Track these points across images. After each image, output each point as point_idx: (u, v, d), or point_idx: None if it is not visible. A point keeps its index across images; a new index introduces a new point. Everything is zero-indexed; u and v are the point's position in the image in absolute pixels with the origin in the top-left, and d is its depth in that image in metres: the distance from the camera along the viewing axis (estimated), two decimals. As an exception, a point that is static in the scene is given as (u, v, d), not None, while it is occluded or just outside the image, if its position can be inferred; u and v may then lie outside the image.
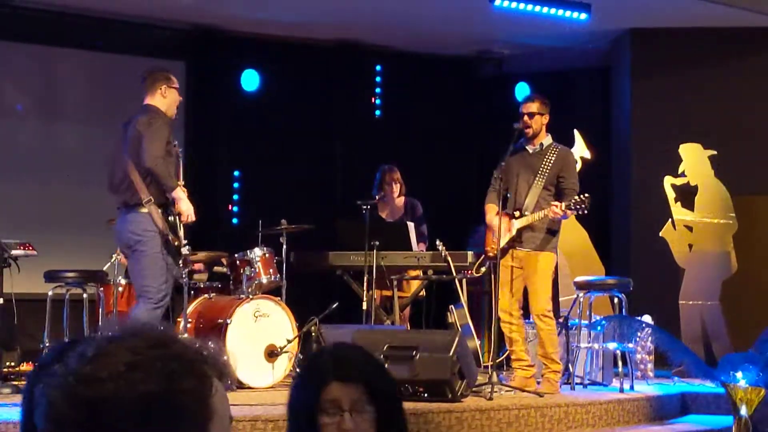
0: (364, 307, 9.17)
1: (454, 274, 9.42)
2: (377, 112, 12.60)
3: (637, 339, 9.21)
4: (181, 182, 7.75)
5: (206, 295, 8.83)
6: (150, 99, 7.68)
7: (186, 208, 7.55)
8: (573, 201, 8.12)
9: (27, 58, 10.70)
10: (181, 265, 7.78)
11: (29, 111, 10.82)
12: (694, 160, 11.02)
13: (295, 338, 8.57)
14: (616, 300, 9.22)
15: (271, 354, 8.50)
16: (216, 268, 9.25)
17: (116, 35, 10.91)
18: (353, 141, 12.17)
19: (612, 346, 8.99)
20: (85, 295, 8.71)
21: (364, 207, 9.32)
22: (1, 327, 8.36)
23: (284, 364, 8.57)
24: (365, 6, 10.75)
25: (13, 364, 8.68)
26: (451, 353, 7.46)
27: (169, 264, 7.51)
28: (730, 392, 6.66)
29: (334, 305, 8.80)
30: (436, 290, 10.13)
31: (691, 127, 11.09)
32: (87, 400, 1.53)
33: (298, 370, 2.85)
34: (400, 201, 10.41)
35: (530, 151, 8.43)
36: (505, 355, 9.47)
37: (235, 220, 11.74)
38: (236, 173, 11.82)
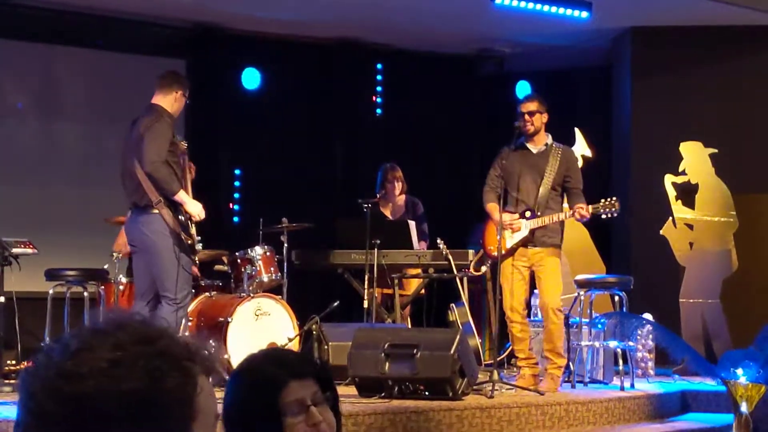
0: (365, 305, 9.16)
1: (455, 272, 9.42)
2: (378, 111, 12.59)
3: (638, 336, 9.22)
4: (191, 176, 7.73)
5: (207, 294, 8.83)
6: (160, 99, 7.62)
7: (193, 209, 7.52)
8: (602, 205, 8.22)
9: (27, 56, 10.69)
10: (196, 262, 7.78)
11: (30, 109, 10.82)
12: (695, 159, 11.02)
13: (296, 337, 8.56)
14: (616, 298, 9.22)
15: (272, 352, 8.48)
16: (217, 267, 9.24)
17: (117, 33, 10.91)
18: (354, 139, 12.16)
19: (613, 344, 8.99)
20: (85, 294, 8.71)
21: (365, 205, 9.31)
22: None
23: (285, 363, 8.54)
24: (366, 4, 10.74)
25: (13, 362, 8.68)
26: (451, 351, 7.46)
27: (184, 263, 7.48)
28: (730, 389, 6.65)
29: (335, 304, 8.79)
30: (437, 288, 10.12)
31: (691, 126, 11.08)
32: (67, 396, 1.51)
33: (229, 392, 2.75)
34: (401, 199, 10.41)
35: (533, 151, 8.43)
36: (506, 353, 9.48)
37: (236, 219, 11.73)
38: (237, 171, 11.82)
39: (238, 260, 8.94)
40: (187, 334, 7.78)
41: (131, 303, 8.45)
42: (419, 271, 9.83)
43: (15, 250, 8.19)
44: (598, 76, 12.28)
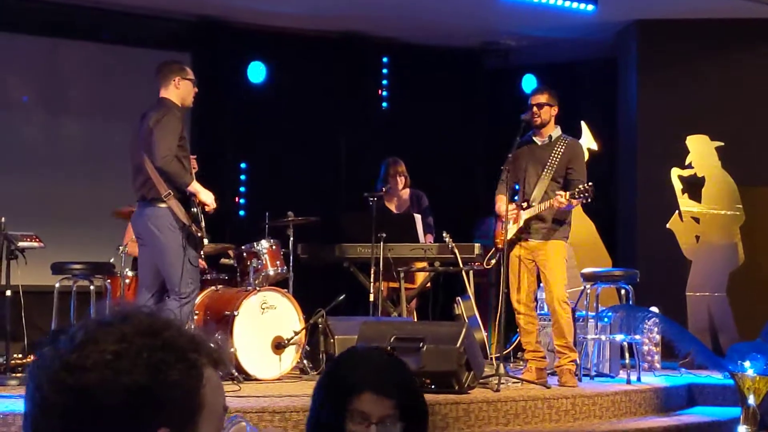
0: (371, 298, 9.18)
1: (461, 265, 9.42)
2: (383, 104, 12.58)
3: (644, 330, 9.21)
4: (194, 167, 7.72)
5: (213, 287, 8.83)
6: (164, 92, 7.61)
7: (207, 199, 7.51)
8: (577, 190, 8.13)
9: (32, 50, 10.69)
10: (202, 256, 7.75)
11: (35, 103, 10.82)
12: (701, 152, 11.00)
13: (302, 330, 8.56)
14: (623, 291, 9.21)
15: (278, 346, 8.50)
16: (223, 260, 9.24)
17: (122, 27, 10.91)
18: (359, 133, 12.15)
19: (619, 337, 8.98)
20: (92, 287, 8.70)
21: (371, 199, 9.31)
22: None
23: (291, 356, 8.57)
24: (371, -3, 10.75)
25: (20, 356, 8.69)
26: (458, 345, 7.46)
27: (190, 258, 7.47)
28: (737, 382, 6.64)
29: (341, 297, 8.80)
30: (442, 282, 10.12)
31: (697, 119, 11.07)
32: (71, 388, 1.51)
33: (325, 369, 2.65)
34: (406, 193, 10.40)
35: (539, 143, 8.43)
36: (512, 347, 9.48)
37: (241, 212, 11.73)
38: (243, 165, 11.82)
39: (244, 254, 8.94)
40: (193, 327, 7.77)
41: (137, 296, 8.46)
42: (425, 264, 9.83)
43: (21, 244, 8.19)
44: (603, 69, 12.25)
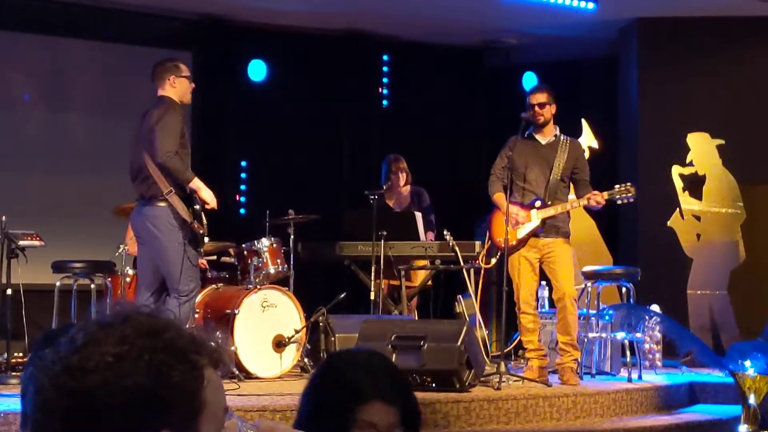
0: (372, 297, 9.17)
1: (462, 263, 9.41)
2: (384, 102, 12.58)
3: (645, 328, 9.21)
4: None
5: (214, 286, 8.83)
6: (162, 91, 7.61)
7: (207, 196, 7.49)
8: (617, 190, 8.20)
9: (35, 48, 10.69)
10: (202, 254, 7.75)
11: (37, 101, 10.82)
12: (702, 150, 11.00)
13: (302, 328, 8.56)
14: (624, 290, 9.21)
15: (279, 344, 8.50)
16: (223, 259, 9.24)
17: (124, 25, 10.91)
18: (360, 131, 12.15)
19: (620, 335, 8.98)
20: (92, 286, 8.70)
21: (372, 197, 9.30)
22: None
23: (292, 355, 8.57)
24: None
25: (21, 354, 8.69)
26: (458, 343, 7.45)
27: (190, 256, 7.46)
28: (738, 381, 6.64)
29: (342, 295, 8.80)
30: (443, 280, 10.12)
31: (698, 117, 11.06)
32: (72, 391, 1.51)
33: (319, 371, 2.49)
34: (407, 190, 10.40)
35: (542, 142, 8.42)
36: (513, 345, 9.47)
37: (242, 211, 11.73)
38: (243, 163, 11.82)
39: (245, 252, 8.94)
40: (193, 326, 7.77)
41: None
42: (426, 262, 9.82)
43: (22, 243, 8.18)
44: (604, 67, 12.24)
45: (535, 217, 8.27)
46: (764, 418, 6.74)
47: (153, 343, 1.54)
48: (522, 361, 9.09)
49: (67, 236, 9.97)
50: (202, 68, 10.86)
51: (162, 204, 7.42)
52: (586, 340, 8.92)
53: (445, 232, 9.48)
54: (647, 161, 11.17)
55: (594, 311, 9.02)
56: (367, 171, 11.40)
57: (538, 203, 8.29)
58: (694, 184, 10.99)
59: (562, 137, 8.45)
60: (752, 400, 6.58)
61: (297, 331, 8.52)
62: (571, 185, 8.55)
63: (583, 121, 11.00)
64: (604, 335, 9.03)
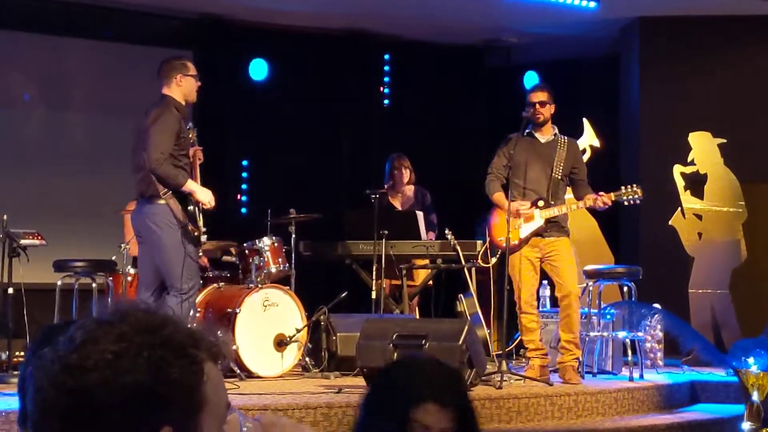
0: (373, 296, 9.16)
1: (463, 263, 9.41)
2: (385, 102, 12.58)
3: (647, 327, 9.21)
4: (199, 160, 7.68)
5: (215, 285, 8.84)
6: (167, 89, 7.57)
7: (203, 197, 7.46)
8: (624, 192, 8.21)
9: (35, 47, 10.69)
10: (201, 254, 7.73)
11: (37, 101, 10.82)
12: (704, 149, 11.00)
13: (304, 327, 8.56)
14: (625, 288, 9.20)
15: (280, 343, 8.50)
16: (225, 258, 9.24)
17: (124, 25, 10.91)
18: (361, 130, 12.15)
19: (621, 334, 8.98)
20: (94, 285, 8.70)
21: (373, 196, 9.30)
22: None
23: (293, 354, 8.57)
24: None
25: (22, 353, 8.68)
26: (460, 342, 7.44)
27: (191, 253, 7.44)
28: (741, 378, 6.64)
29: (343, 294, 8.80)
30: (445, 279, 10.11)
31: (700, 116, 11.05)
32: (72, 390, 1.50)
33: (375, 381, 2.50)
34: (410, 189, 10.41)
35: (542, 141, 8.42)
36: (514, 344, 9.46)
37: (243, 210, 11.73)
38: (245, 163, 11.82)
39: (246, 251, 8.94)
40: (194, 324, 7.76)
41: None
42: (427, 261, 9.82)
43: (23, 242, 8.19)
44: (605, 66, 12.23)
45: (539, 217, 8.26)
46: (767, 415, 6.73)
47: (151, 339, 1.54)
48: (523, 360, 9.09)
49: (68, 235, 9.97)
50: (203, 68, 10.76)
51: (161, 202, 7.40)
52: (587, 339, 8.92)
53: (446, 232, 9.48)
54: (649, 160, 11.16)
55: (595, 310, 9.02)
56: (367, 170, 11.40)
57: (541, 202, 8.28)
58: (696, 183, 10.98)
59: (560, 137, 8.45)
60: (755, 397, 6.58)
61: (298, 331, 8.52)
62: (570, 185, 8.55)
63: (585, 121, 11.00)
64: (605, 334, 9.02)
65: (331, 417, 6.79)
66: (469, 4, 10.97)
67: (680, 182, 10.97)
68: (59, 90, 10.92)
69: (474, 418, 2.53)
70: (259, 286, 8.55)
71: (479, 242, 9.43)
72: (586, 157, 9.86)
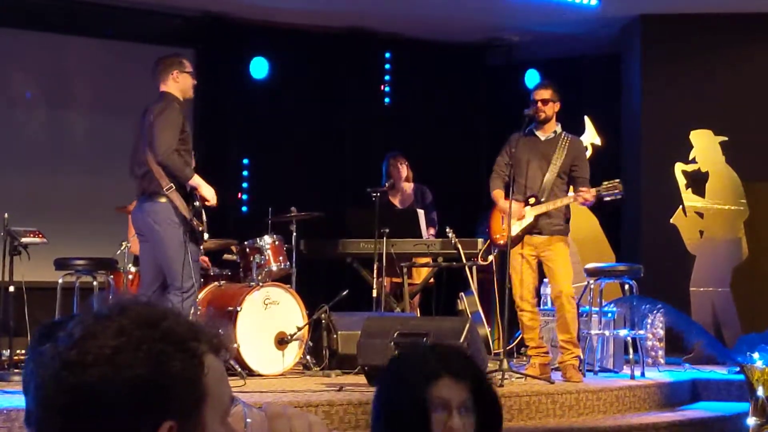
0: (374, 294, 9.16)
1: (464, 261, 9.41)
2: (386, 100, 12.57)
3: (648, 325, 9.20)
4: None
5: (216, 283, 8.84)
6: (164, 86, 7.59)
7: (208, 193, 7.47)
8: (604, 186, 8.17)
9: (37, 46, 10.68)
10: (202, 251, 7.72)
11: (39, 99, 10.82)
12: (705, 147, 10.99)
13: (305, 326, 8.56)
14: (626, 287, 9.19)
15: (281, 341, 8.50)
16: (226, 256, 9.24)
17: (126, 23, 10.90)
18: (363, 129, 12.14)
19: (623, 332, 8.97)
20: (95, 283, 8.69)
21: (374, 194, 9.30)
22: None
23: (294, 352, 8.57)
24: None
25: (23, 351, 8.68)
26: (461, 340, 7.44)
27: (192, 252, 7.44)
28: (746, 373, 6.63)
29: (344, 293, 8.79)
30: (446, 277, 10.11)
31: (701, 114, 11.05)
32: (72, 386, 1.50)
33: (389, 368, 2.58)
34: (410, 187, 10.41)
35: (542, 138, 8.41)
36: (515, 342, 9.47)
37: (244, 208, 11.73)
38: (245, 161, 11.81)
39: (247, 249, 8.93)
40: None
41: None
42: (428, 260, 9.82)
43: (24, 240, 8.18)
44: (607, 65, 12.24)
45: (530, 214, 8.26)
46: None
47: (151, 333, 1.53)
48: (524, 358, 9.09)
49: (69, 233, 9.97)
50: (204, 66, 10.86)
51: (163, 200, 7.40)
52: (588, 337, 8.91)
53: (447, 230, 9.48)
54: (650, 158, 11.16)
55: (596, 308, 9.02)
56: (368, 169, 11.38)
57: (532, 200, 8.28)
58: (697, 181, 10.97)
59: (563, 134, 8.43)
60: (761, 392, 6.56)
61: (299, 329, 8.52)
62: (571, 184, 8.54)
63: (586, 119, 10.99)
64: (606, 332, 9.02)
65: (332, 415, 6.79)
66: (470, 2, 10.97)
67: (682, 180, 10.96)
68: (61, 88, 10.92)
69: (490, 388, 2.61)
70: (260, 284, 8.55)
71: (480, 240, 9.44)
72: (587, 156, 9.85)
